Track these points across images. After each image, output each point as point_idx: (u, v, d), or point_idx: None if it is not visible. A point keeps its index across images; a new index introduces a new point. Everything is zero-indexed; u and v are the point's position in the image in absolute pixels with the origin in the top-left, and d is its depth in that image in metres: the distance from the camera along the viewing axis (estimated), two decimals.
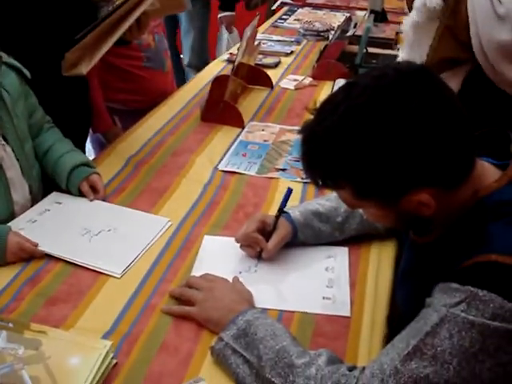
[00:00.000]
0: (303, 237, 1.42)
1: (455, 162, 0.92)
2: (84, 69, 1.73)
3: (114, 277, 1.33)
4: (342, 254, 1.43)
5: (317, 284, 1.33)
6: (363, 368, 0.96)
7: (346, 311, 1.25)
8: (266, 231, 1.38)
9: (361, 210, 1.40)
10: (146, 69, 2.45)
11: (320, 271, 1.37)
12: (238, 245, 1.42)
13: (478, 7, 1.62)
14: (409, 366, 0.89)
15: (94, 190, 1.64)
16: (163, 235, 1.49)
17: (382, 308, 1.26)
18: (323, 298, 1.29)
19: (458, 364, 0.85)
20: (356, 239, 1.46)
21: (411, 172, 0.90)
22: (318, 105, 0.98)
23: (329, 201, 1.45)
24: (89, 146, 2.50)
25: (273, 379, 0.99)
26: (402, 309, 1.19)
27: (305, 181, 1.77)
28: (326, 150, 0.93)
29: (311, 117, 0.98)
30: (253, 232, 1.36)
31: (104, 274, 1.34)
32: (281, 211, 1.39)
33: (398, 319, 1.30)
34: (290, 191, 1.43)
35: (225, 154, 1.95)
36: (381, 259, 1.42)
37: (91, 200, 1.61)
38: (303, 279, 1.35)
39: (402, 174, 0.90)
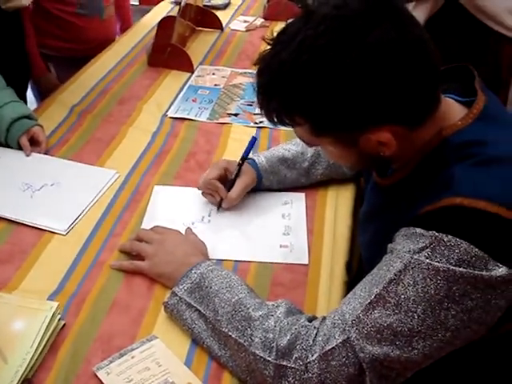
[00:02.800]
0: (268, 183, 1.38)
1: (417, 98, 0.86)
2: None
3: (59, 234, 1.26)
4: (298, 199, 1.39)
5: (273, 232, 1.29)
6: (323, 318, 0.92)
7: (304, 259, 1.21)
8: (229, 179, 1.33)
9: None
10: (80, 16, 2.31)
11: (276, 218, 1.33)
12: (190, 195, 1.38)
13: None
14: (371, 315, 0.85)
15: (35, 142, 1.55)
16: (110, 188, 1.41)
17: (341, 255, 1.23)
18: (280, 246, 1.25)
19: (423, 312, 0.82)
20: (313, 184, 1.42)
21: (369, 107, 0.84)
22: (274, 34, 0.90)
23: (295, 145, 1.41)
24: (30, 94, 2.38)
25: (230, 333, 0.95)
26: (364, 254, 1.15)
27: (258, 125, 1.71)
28: (281, 83, 0.86)
29: (268, 47, 0.91)
30: (214, 179, 1.31)
31: (48, 231, 1.26)
32: (243, 160, 1.34)
33: (358, 266, 1.28)
34: (254, 140, 1.38)
35: (174, 100, 1.87)
36: (338, 204, 1.38)
37: (28, 155, 1.51)
38: (259, 227, 1.30)
39: (359, 108, 0.84)
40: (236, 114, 1.78)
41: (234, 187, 1.32)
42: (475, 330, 0.84)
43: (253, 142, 1.37)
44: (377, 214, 1.09)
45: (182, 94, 1.91)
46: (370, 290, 0.87)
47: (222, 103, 1.85)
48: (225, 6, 2.81)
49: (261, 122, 1.72)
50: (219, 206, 1.34)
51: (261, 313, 0.95)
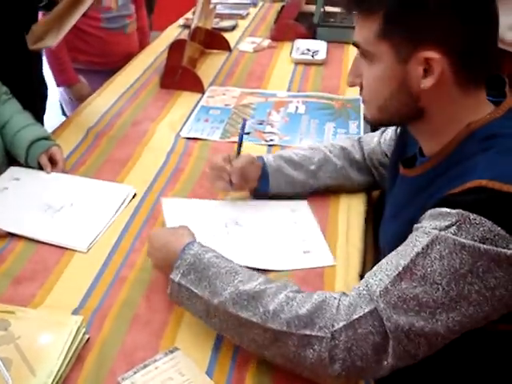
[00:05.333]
0: (276, 183, 1.41)
1: (474, 39, 0.93)
2: (51, 41, 1.67)
3: (81, 252, 1.29)
4: (302, 206, 1.42)
5: (292, 239, 1.32)
6: (343, 292, 0.96)
7: (329, 261, 1.25)
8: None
9: (334, 160, 1.43)
10: (105, 30, 2.42)
11: (290, 226, 1.36)
12: (202, 207, 1.42)
13: None
14: (399, 286, 0.89)
15: (53, 162, 1.59)
16: (128, 206, 1.45)
17: (354, 267, 1.25)
18: (304, 252, 1.28)
19: (447, 284, 0.86)
20: (323, 195, 1.46)
21: (435, 19, 0.91)
22: None
23: (303, 150, 1.46)
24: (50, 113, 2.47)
25: (239, 314, 0.97)
26: (389, 248, 1.17)
27: (269, 143, 1.75)
28: None
29: None
30: (218, 162, 1.37)
31: (70, 249, 1.30)
32: (240, 145, 1.39)
33: None
34: (244, 122, 1.43)
35: (186, 121, 1.91)
36: (350, 217, 1.41)
37: (48, 173, 1.56)
38: (278, 236, 1.33)
39: (428, 17, 0.91)
40: (247, 133, 1.81)
41: (238, 158, 1.37)
42: (497, 308, 0.88)
43: (244, 124, 1.43)
44: (404, 205, 1.11)
45: (194, 114, 1.96)
46: (398, 262, 0.91)
47: (233, 122, 1.89)
48: (232, 28, 2.87)
49: (271, 140, 1.76)
50: (231, 184, 1.37)
51: (271, 288, 0.98)
